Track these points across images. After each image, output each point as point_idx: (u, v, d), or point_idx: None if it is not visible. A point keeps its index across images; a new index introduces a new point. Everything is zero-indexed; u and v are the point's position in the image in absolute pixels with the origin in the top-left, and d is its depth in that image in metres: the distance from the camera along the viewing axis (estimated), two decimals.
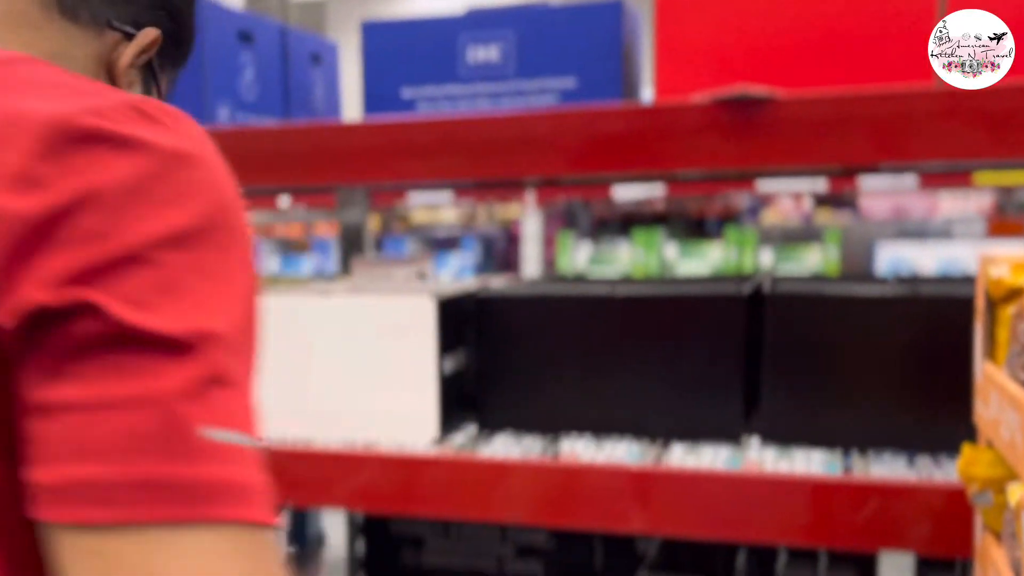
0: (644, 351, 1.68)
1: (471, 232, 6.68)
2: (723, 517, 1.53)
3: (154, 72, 0.78)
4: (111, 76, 0.75)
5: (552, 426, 1.74)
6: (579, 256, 4.90)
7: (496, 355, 1.78)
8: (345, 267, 2.45)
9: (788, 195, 7.19)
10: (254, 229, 0.67)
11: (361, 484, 1.65)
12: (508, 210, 7.68)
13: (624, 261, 4.71)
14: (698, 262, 4.50)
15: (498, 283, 2.09)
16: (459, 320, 1.79)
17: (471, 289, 1.87)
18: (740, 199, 6.66)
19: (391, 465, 1.64)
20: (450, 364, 1.74)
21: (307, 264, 5.14)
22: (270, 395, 1.77)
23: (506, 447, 1.69)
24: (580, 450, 1.65)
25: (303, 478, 1.68)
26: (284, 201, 4.47)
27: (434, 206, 7.61)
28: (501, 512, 1.63)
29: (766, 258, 4.50)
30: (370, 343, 1.70)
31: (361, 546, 1.94)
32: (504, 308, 1.77)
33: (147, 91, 0.79)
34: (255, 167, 1.71)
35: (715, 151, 1.56)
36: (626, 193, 4.04)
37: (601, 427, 1.72)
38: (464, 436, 1.75)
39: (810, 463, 1.55)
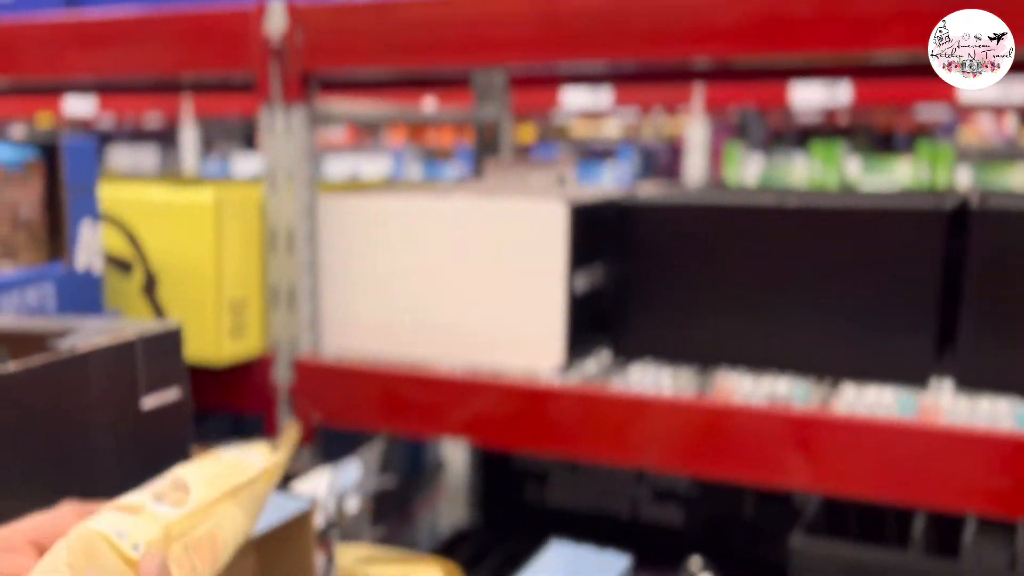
0: (817, 273, 1.46)
1: (631, 144, 6.43)
2: (900, 475, 1.33)
3: None
4: None
5: (701, 356, 1.55)
6: (749, 170, 4.63)
7: (639, 273, 1.59)
8: (479, 171, 2.29)
9: (989, 111, 6.58)
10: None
11: (477, 414, 1.51)
12: (675, 124, 7.36)
13: (800, 177, 4.41)
14: (884, 180, 4.15)
15: (648, 190, 1.89)
16: (597, 231, 1.61)
17: (614, 196, 1.68)
18: (934, 112, 6.13)
19: (511, 395, 1.49)
20: (583, 281, 1.57)
21: (450, 172, 5.04)
22: (381, 309, 1.67)
23: (644, 378, 1.51)
24: (733, 386, 1.47)
25: (415, 403, 1.55)
26: (430, 104, 4.36)
27: (594, 115, 7.35)
28: (636, 454, 1.46)
29: (964, 177, 4.10)
30: (491, 253, 1.54)
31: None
32: (652, 218, 1.58)
33: None
34: (367, 47, 1.55)
35: (911, 30, 1.30)
36: (807, 96, 3.72)
37: (760, 360, 1.52)
38: (596, 364, 1.58)
39: (1015, 416, 1.32)
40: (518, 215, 1.53)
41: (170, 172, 5.44)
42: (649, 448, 1.45)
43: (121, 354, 0.92)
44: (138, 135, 6.55)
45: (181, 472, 0.76)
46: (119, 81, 2.30)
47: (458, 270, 1.56)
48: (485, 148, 2.33)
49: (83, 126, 6.10)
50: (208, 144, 5.78)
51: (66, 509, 0.71)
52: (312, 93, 1.61)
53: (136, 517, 0.67)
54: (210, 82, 2.56)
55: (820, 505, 1.58)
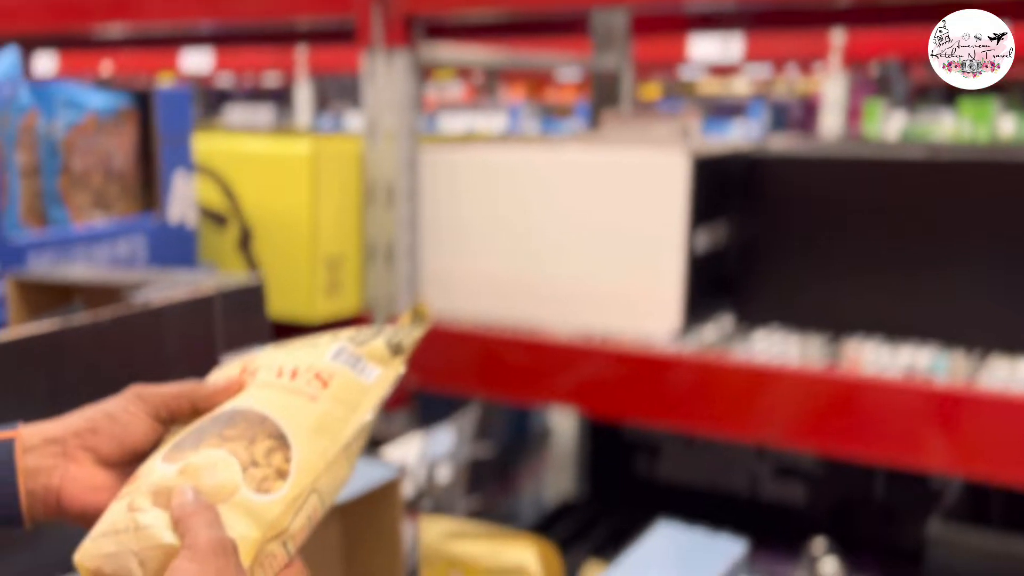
0: (967, 234, 1.36)
1: (762, 101, 6.22)
2: None
3: None
4: None
5: (833, 323, 1.47)
6: (890, 127, 4.43)
7: (767, 231, 1.51)
8: (597, 123, 2.21)
9: None
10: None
11: (585, 380, 1.45)
12: (809, 82, 7.09)
13: (946, 135, 4.20)
14: None
15: (780, 143, 1.78)
16: (722, 186, 1.53)
17: (742, 149, 1.59)
18: None
19: (622, 362, 1.42)
20: (704, 239, 1.49)
21: (569, 129, 4.96)
22: (484, 268, 1.61)
23: (770, 346, 1.42)
24: (867, 356, 1.38)
25: (519, 368, 1.50)
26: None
27: (723, 71, 7.13)
28: (757, 428, 1.39)
29: None
30: (604, 209, 1.46)
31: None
32: (783, 173, 1.50)
33: None
34: None
35: None
36: None
37: (899, 329, 1.43)
38: (716, 330, 1.49)
39: None
40: (634, 168, 1.46)
41: (282, 128, 5.51)
42: (772, 422, 1.37)
43: (198, 309, 0.89)
44: (256, 94, 6.66)
45: (280, 413, 0.63)
46: (234, 29, 2.30)
47: (567, 227, 1.49)
48: (604, 100, 2.25)
49: (201, 83, 6.22)
50: (323, 102, 5.82)
51: (130, 395, 0.66)
52: (416, 38, 1.55)
53: (225, 507, 0.58)
54: (325, 29, 2.53)
55: (961, 489, 1.47)
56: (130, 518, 0.58)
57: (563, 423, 1.89)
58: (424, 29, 1.58)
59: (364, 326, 0.74)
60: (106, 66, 5.16)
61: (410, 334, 0.73)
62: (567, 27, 2.52)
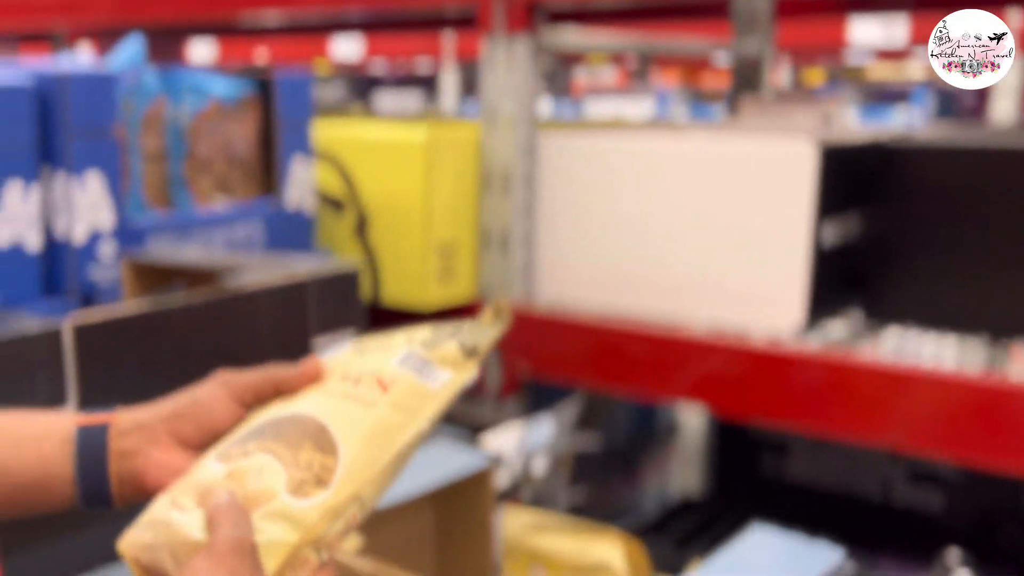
0: None
1: (932, 86, 5.94)
2: None
3: None
4: None
5: (970, 322, 1.39)
6: None
7: (905, 224, 1.44)
8: (734, 109, 2.16)
9: None
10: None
11: (704, 375, 1.41)
12: None
13: None
14: None
15: (928, 132, 1.70)
16: (856, 176, 1.47)
17: (881, 138, 1.52)
18: None
19: (739, 357, 1.38)
20: (833, 232, 1.43)
21: (714, 115, 4.86)
22: (601, 257, 1.59)
23: (904, 344, 1.36)
24: (1013, 360, 1.30)
25: (636, 360, 1.47)
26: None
27: (892, 55, 6.84)
28: (891, 432, 1.33)
29: None
30: (727, 199, 1.42)
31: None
32: (926, 163, 1.43)
33: None
34: None
35: None
36: None
37: None
38: (843, 326, 1.43)
39: None
40: (759, 157, 1.41)
41: (424, 113, 5.59)
42: (907, 426, 1.30)
43: (291, 294, 0.91)
44: (406, 80, 6.78)
45: (334, 419, 0.63)
46: (383, 16, 2.34)
47: (688, 217, 1.46)
48: (744, 85, 2.19)
49: (353, 70, 6.37)
50: (470, 88, 5.88)
51: (217, 381, 0.68)
52: (539, 23, 1.55)
53: (263, 511, 0.58)
54: (471, 16, 2.54)
55: None
56: (167, 512, 0.60)
57: (692, 419, 1.86)
58: (548, 15, 1.57)
59: (444, 323, 0.73)
60: (261, 53, 5.34)
61: (487, 333, 0.72)
62: (713, 11, 2.46)
